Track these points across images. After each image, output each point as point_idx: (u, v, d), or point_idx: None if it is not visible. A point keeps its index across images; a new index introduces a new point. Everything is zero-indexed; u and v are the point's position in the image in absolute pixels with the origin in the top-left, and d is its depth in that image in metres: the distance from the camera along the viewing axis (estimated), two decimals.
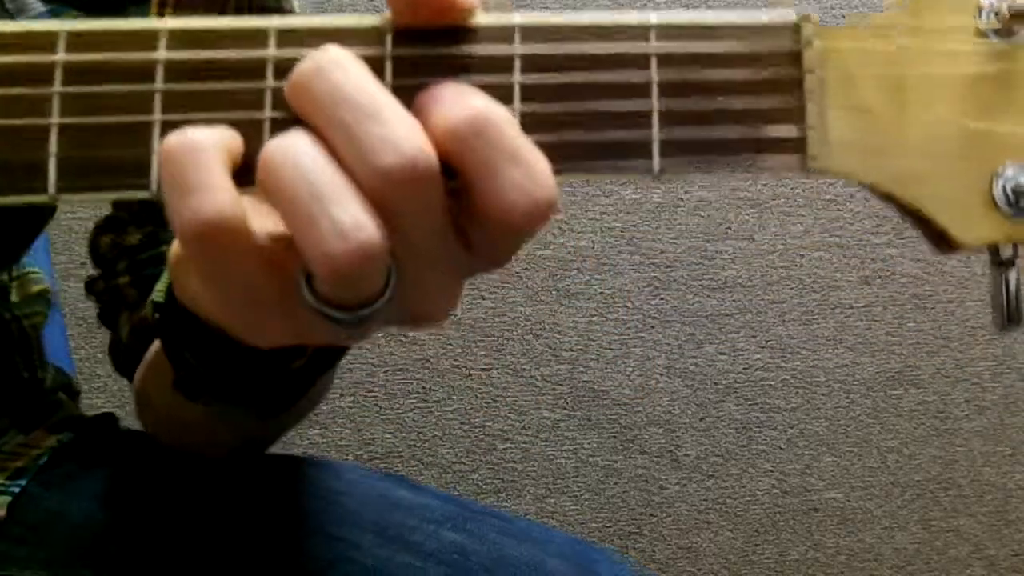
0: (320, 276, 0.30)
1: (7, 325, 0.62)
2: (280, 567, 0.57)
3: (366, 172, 0.30)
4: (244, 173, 0.32)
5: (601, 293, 1.38)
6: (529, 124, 0.33)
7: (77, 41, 0.33)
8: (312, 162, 0.30)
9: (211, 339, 0.41)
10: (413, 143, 0.30)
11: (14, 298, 0.65)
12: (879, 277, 1.43)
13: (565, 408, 1.35)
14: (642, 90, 0.34)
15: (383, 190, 0.30)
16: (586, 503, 1.35)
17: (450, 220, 0.32)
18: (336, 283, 0.31)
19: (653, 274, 1.39)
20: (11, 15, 0.54)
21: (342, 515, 0.59)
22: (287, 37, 0.33)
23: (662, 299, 1.39)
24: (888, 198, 0.35)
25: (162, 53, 0.33)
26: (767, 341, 1.40)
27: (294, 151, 0.30)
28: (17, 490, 0.60)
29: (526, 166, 0.31)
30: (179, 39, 0.33)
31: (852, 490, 1.39)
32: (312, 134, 0.31)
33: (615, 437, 1.36)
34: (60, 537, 0.58)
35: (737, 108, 0.34)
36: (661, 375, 1.38)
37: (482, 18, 0.33)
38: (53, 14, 0.55)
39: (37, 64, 0.32)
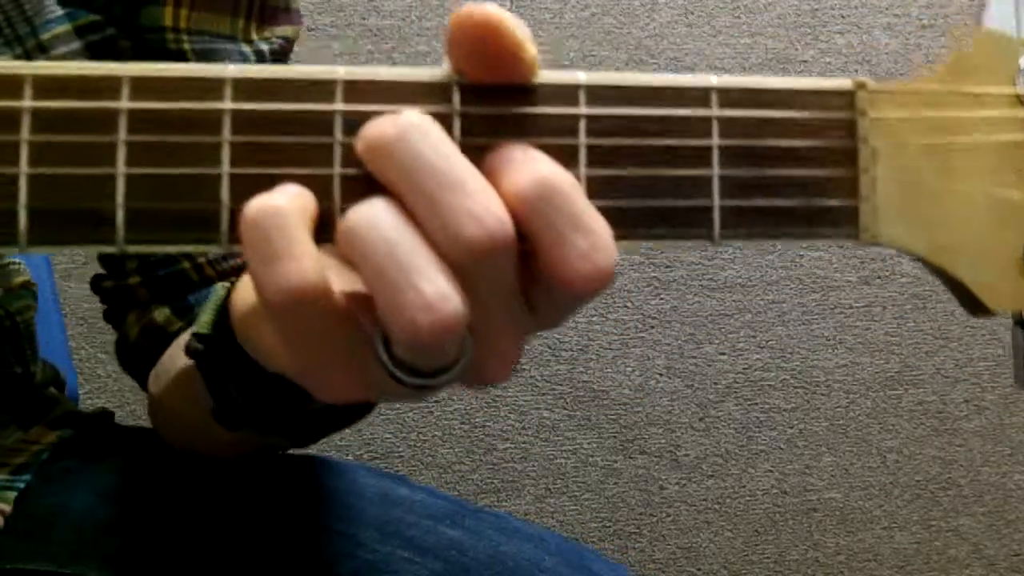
0: (401, 344, 0.31)
1: None
2: (284, 562, 0.57)
3: (448, 243, 0.30)
4: (316, 230, 0.32)
5: None
6: (594, 188, 0.33)
7: (140, 87, 0.32)
8: (396, 233, 0.30)
9: (260, 378, 0.41)
10: (495, 215, 0.30)
11: None
12: (879, 277, 1.43)
13: (565, 408, 1.36)
14: (704, 156, 0.34)
15: (463, 259, 0.30)
16: (586, 503, 1.35)
17: (519, 285, 0.32)
18: (417, 352, 0.31)
19: (653, 274, 1.39)
20: (28, 17, 0.54)
21: (344, 512, 0.60)
22: (354, 90, 0.33)
23: (662, 299, 1.39)
24: (926, 264, 0.36)
25: (228, 103, 0.32)
26: (767, 341, 1.40)
27: (377, 221, 0.31)
28: (22, 485, 0.60)
29: (590, 234, 0.31)
30: (244, 88, 0.32)
31: (852, 490, 1.39)
32: (391, 200, 0.31)
33: (615, 437, 1.36)
34: (64, 531, 0.59)
35: (795, 177, 0.35)
36: (661, 375, 1.38)
37: (546, 74, 0.33)
38: (70, 17, 0.55)
39: (101, 110, 0.32)
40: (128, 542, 0.58)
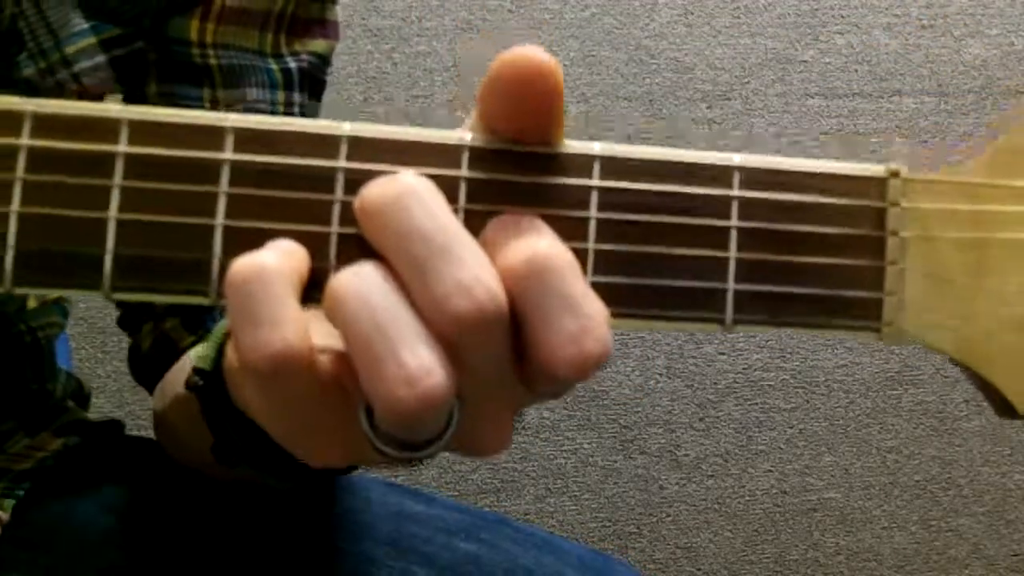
0: (383, 416, 0.30)
1: (20, 336, 0.61)
2: None
3: (435, 313, 0.29)
4: (308, 288, 0.31)
5: None
6: (601, 264, 0.32)
7: (139, 130, 0.31)
8: (382, 300, 0.29)
9: (255, 423, 0.41)
10: (486, 287, 0.29)
11: (31, 304, 0.64)
12: None
13: (565, 408, 1.36)
14: (721, 237, 0.33)
15: (452, 331, 0.29)
16: (586, 503, 1.35)
17: (513, 357, 0.31)
18: (399, 425, 0.30)
19: None
20: (53, 30, 0.53)
21: (356, 530, 0.59)
22: (358, 147, 0.32)
23: None
24: (955, 363, 0.35)
25: (228, 154, 0.31)
26: (767, 341, 1.40)
27: (363, 286, 0.29)
28: (22, 493, 0.60)
29: (582, 317, 0.29)
30: (246, 138, 0.31)
31: (851, 490, 1.39)
32: (381, 265, 0.30)
33: (615, 437, 1.36)
34: (63, 542, 0.58)
35: (817, 264, 0.33)
36: (661, 375, 1.38)
37: (564, 143, 0.32)
38: (95, 31, 0.54)
39: (98, 153, 0.31)
40: (129, 555, 0.58)
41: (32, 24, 0.53)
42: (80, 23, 0.54)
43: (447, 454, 0.33)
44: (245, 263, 0.30)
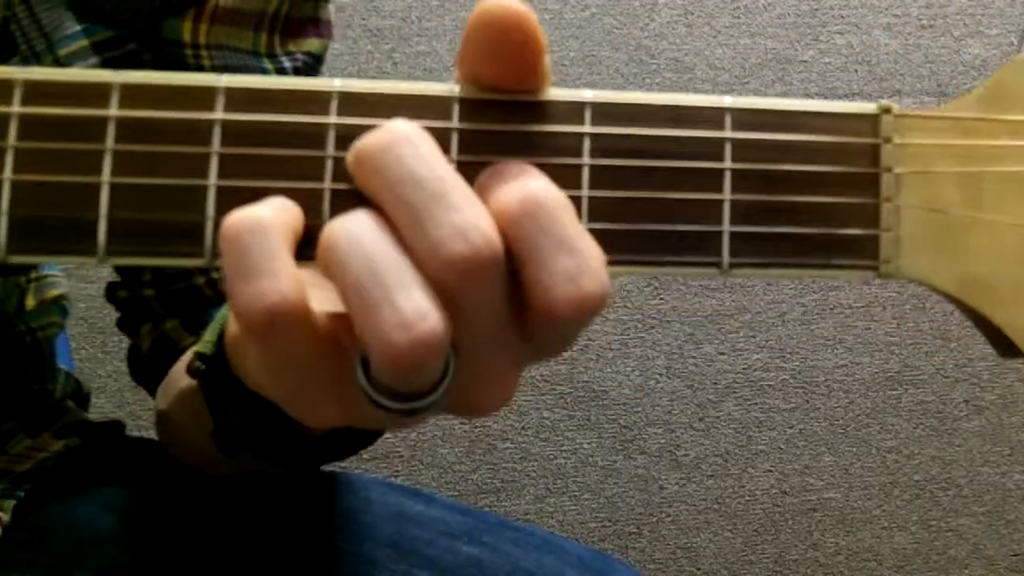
0: (378, 365, 0.29)
1: (20, 337, 0.61)
2: None
3: (430, 258, 0.29)
4: (302, 246, 0.31)
5: None
6: (596, 211, 0.32)
7: (131, 95, 0.31)
8: (375, 245, 0.29)
9: (258, 402, 0.41)
10: (481, 231, 0.29)
11: (30, 302, 0.64)
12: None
13: (565, 408, 1.36)
14: (715, 179, 0.32)
15: (447, 277, 0.29)
16: (586, 503, 1.35)
17: (511, 308, 0.31)
18: (394, 372, 0.29)
19: None
20: (45, 33, 0.53)
21: (357, 531, 0.59)
22: (349, 103, 0.32)
23: (662, 299, 1.39)
24: (954, 301, 0.34)
25: (219, 114, 0.31)
26: (766, 341, 1.40)
27: (357, 233, 0.29)
28: (23, 494, 0.60)
29: (577, 256, 0.29)
30: (236, 98, 0.31)
31: (851, 490, 1.39)
32: (375, 213, 0.30)
33: (615, 437, 1.36)
34: (63, 542, 0.58)
35: (811, 204, 0.33)
36: (660, 375, 1.38)
37: (552, 91, 0.32)
38: (87, 33, 0.54)
39: (89, 118, 0.31)
40: (129, 555, 0.58)
41: (24, 27, 0.53)
42: (72, 25, 0.54)
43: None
44: (239, 216, 0.30)
